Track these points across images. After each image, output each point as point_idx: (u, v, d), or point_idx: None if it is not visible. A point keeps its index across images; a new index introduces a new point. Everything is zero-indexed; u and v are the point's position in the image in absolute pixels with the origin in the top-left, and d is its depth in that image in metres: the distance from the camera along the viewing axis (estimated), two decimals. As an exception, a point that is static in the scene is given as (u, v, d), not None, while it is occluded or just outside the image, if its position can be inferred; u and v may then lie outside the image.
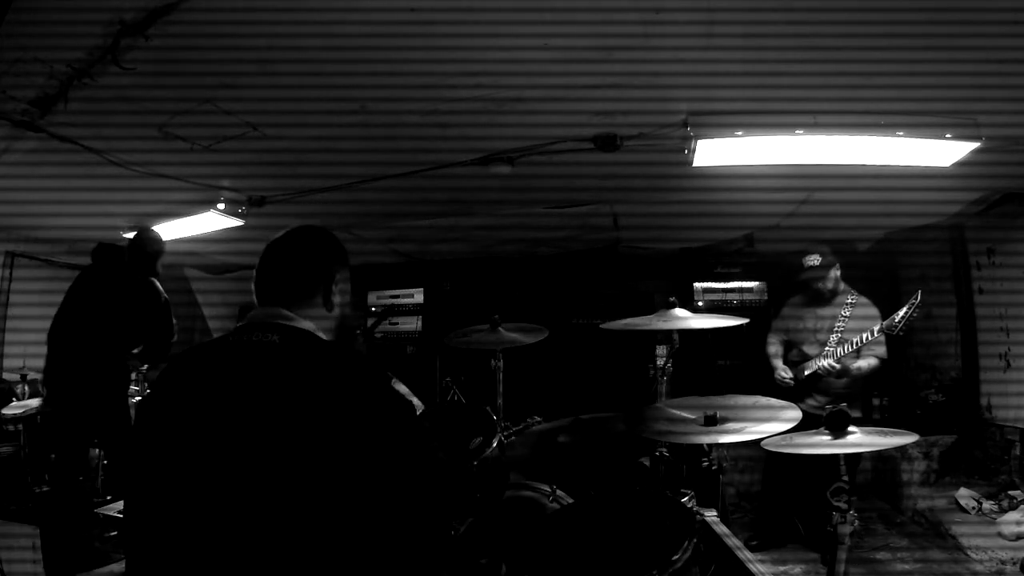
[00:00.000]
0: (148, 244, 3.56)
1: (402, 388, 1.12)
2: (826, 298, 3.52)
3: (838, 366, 3.30)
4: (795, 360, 3.60)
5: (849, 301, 3.46)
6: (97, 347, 3.33)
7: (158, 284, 3.59)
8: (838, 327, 3.41)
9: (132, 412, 3.64)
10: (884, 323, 3.12)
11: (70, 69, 2.20)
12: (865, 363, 3.33)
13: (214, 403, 1.03)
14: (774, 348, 3.74)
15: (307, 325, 1.17)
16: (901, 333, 3.06)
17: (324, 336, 1.19)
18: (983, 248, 4.30)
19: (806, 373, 3.46)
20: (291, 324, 1.16)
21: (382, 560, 1.00)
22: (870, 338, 3.22)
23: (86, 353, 3.32)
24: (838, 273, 3.53)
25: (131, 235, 3.66)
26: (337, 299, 1.24)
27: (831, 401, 3.33)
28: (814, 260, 3.51)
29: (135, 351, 3.58)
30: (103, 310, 3.36)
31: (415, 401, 1.12)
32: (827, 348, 3.40)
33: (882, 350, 3.34)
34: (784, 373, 3.55)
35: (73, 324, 3.37)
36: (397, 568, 1.02)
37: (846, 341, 3.33)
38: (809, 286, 3.55)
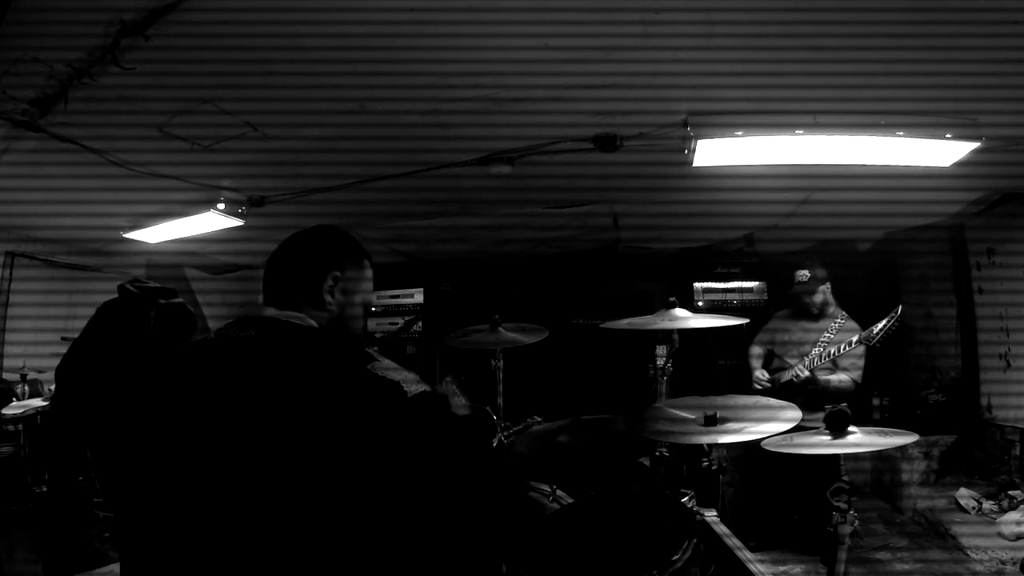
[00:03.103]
0: None
1: (387, 368, 1.04)
2: (814, 314, 3.54)
3: (806, 373, 3.33)
4: (774, 369, 3.64)
5: (837, 322, 3.48)
6: None
7: None
8: (821, 344, 3.43)
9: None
10: (863, 334, 3.13)
11: (70, 69, 2.19)
12: (836, 379, 3.36)
13: (192, 400, 1.04)
14: (757, 351, 3.80)
15: (296, 319, 1.18)
16: (878, 345, 3.09)
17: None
18: (983, 248, 4.30)
19: (782, 380, 3.50)
20: (273, 317, 1.17)
21: (388, 559, 0.97)
22: (846, 349, 3.24)
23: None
24: (828, 291, 3.54)
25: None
26: (335, 297, 1.23)
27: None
28: (803, 276, 3.54)
29: None
30: None
31: (409, 383, 1.03)
32: (805, 359, 3.44)
33: (859, 374, 3.36)
34: (761, 376, 3.61)
35: None
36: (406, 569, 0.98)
37: (824, 353, 3.35)
38: (799, 300, 3.58)
